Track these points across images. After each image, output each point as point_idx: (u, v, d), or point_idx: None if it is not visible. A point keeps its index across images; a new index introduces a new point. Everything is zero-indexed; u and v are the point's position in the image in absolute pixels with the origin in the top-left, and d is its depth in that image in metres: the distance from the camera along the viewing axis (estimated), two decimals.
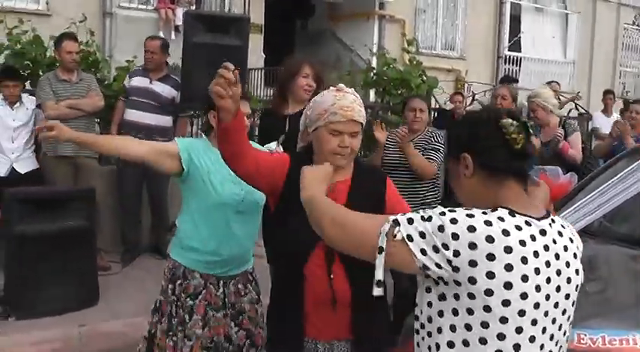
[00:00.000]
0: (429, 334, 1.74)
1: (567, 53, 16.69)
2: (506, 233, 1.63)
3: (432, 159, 4.62)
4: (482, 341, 1.65)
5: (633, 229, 3.95)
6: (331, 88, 2.54)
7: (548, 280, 1.67)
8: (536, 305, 1.65)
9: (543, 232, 1.70)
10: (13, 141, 5.69)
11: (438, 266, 1.64)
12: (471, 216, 1.66)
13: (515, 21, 15.92)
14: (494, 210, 1.69)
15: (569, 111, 11.34)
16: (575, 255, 1.77)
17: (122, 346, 4.36)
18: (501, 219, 1.66)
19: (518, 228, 1.66)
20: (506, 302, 1.62)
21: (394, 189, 2.70)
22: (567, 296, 1.74)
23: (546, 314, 1.68)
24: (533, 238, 1.67)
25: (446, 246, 1.63)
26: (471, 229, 1.62)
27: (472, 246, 1.61)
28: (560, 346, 1.77)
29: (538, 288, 1.65)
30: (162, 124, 6.00)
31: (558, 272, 1.70)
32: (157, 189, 6.18)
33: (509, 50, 15.62)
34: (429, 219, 1.67)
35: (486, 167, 1.75)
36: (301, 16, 15.38)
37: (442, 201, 7.33)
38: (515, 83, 10.82)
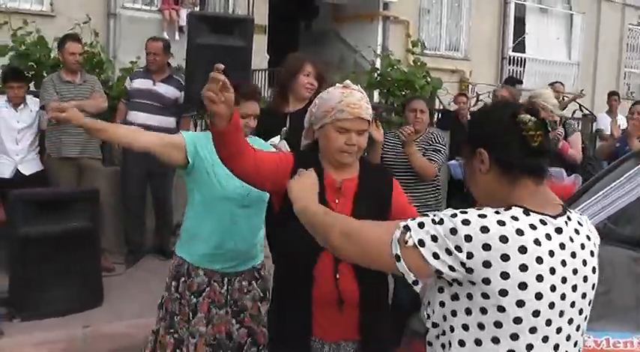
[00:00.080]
0: (443, 332, 1.72)
1: (572, 54, 16.64)
2: (520, 232, 1.60)
3: (432, 160, 4.60)
4: (495, 340, 1.63)
5: (638, 231, 3.94)
6: (337, 84, 2.52)
7: (564, 280, 1.64)
8: (551, 305, 1.63)
9: (559, 230, 1.67)
10: (18, 142, 5.70)
11: (452, 269, 1.62)
12: (483, 216, 1.62)
13: (520, 22, 15.87)
14: (508, 208, 1.66)
15: (574, 112, 11.32)
16: (592, 253, 1.74)
17: (126, 347, 4.37)
18: (515, 218, 1.63)
19: (533, 227, 1.63)
20: (520, 303, 1.59)
21: (401, 189, 2.70)
22: (584, 296, 1.71)
23: (561, 314, 1.66)
24: (548, 237, 1.63)
25: (459, 249, 1.60)
26: (484, 230, 1.60)
27: (486, 246, 1.58)
28: (579, 347, 1.75)
29: (553, 288, 1.62)
30: (166, 126, 5.99)
31: (574, 271, 1.67)
32: (161, 190, 6.19)
33: (513, 51, 15.57)
34: (441, 221, 1.65)
35: (501, 163, 1.71)
36: (305, 16, 15.36)
37: (447, 202, 7.33)
38: (520, 84, 10.81)
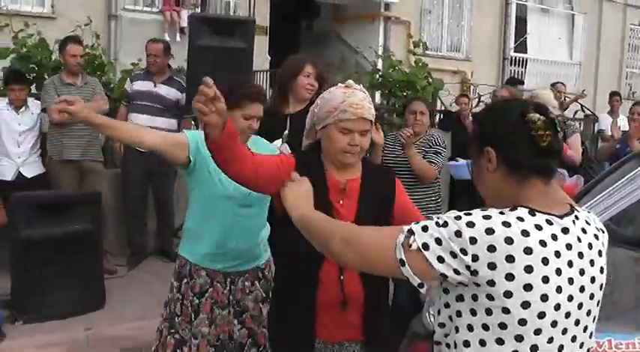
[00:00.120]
0: (449, 333, 1.71)
1: (573, 54, 16.61)
2: (525, 233, 1.58)
3: (433, 162, 4.59)
4: (499, 341, 1.62)
5: (639, 232, 3.93)
6: (339, 84, 2.51)
7: (571, 281, 1.62)
8: (557, 307, 1.60)
9: (566, 230, 1.64)
10: (19, 145, 5.70)
11: (457, 272, 1.60)
12: (487, 217, 1.60)
13: (521, 22, 15.85)
14: (514, 209, 1.63)
15: (576, 112, 11.30)
16: (600, 253, 1.71)
17: (128, 349, 4.37)
18: (520, 218, 1.60)
19: (539, 227, 1.60)
20: (525, 304, 1.57)
21: (403, 188, 2.69)
22: (592, 296, 1.69)
23: (568, 315, 1.63)
24: (554, 237, 1.61)
25: (464, 251, 1.58)
26: (489, 231, 1.57)
27: (491, 248, 1.56)
28: (587, 348, 1.74)
29: (559, 289, 1.60)
30: (168, 127, 5.98)
31: (582, 272, 1.65)
32: (162, 190, 6.19)
33: (515, 51, 15.56)
34: (445, 224, 1.62)
35: (509, 162, 1.68)
36: (306, 17, 15.36)
37: (452, 202, 7.31)
38: (522, 85, 10.80)
